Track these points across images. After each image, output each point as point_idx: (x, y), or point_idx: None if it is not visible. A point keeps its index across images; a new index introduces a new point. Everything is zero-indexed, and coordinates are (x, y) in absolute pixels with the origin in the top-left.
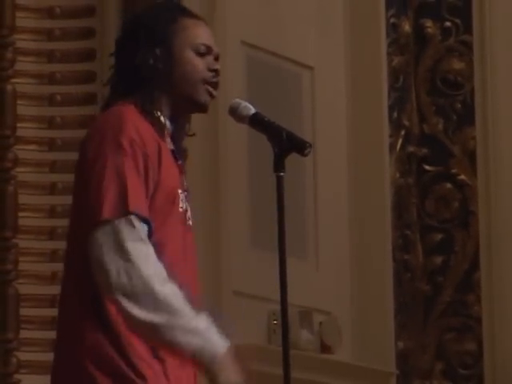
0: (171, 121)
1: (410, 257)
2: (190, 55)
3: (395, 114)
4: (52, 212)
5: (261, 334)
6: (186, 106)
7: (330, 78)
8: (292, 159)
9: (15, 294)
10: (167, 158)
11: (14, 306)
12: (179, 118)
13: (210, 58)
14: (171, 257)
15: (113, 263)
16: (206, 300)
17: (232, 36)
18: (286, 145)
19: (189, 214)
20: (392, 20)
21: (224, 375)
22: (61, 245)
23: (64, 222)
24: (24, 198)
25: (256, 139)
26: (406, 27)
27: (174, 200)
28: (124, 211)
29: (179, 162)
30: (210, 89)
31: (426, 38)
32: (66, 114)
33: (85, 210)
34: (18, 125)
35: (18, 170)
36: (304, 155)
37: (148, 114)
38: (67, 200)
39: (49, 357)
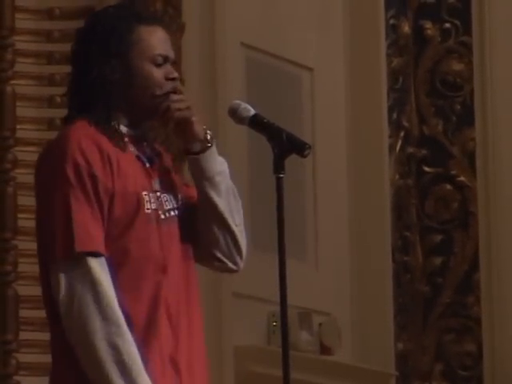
0: (132, 126)
1: (409, 258)
2: (147, 67)
3: (395, 115)
4: None
5: (260, 335)
6: (146, 115)
7: (329, 80)
8: (292, 160)
9: (15, 296)
10: (125, 166)
11: (14, 308)
12: (139, 124)
13: (167, 66)
14: (137, 262)
15: (65, 303)
16: (205, 302)
17: (232, 38)
18: (286, 146)
19: (171, 205)
20: (391, 21)
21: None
22: None
23: None
24: (23, 200)
25: (256, 140)
26: (406, 28)
27: (136, 205)
28: (72, 253)
29: (147, 166)
30: (171, 96)
31: (425, 39)
32: None
33: (42, 244)
34: (18, 126)
35: (18, 171)
36: (304, 156)
37: (103, 126)
38: None
39: (48, 358)
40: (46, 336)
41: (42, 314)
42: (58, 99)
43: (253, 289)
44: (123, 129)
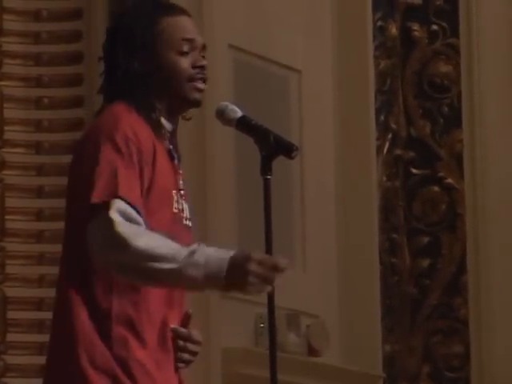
0: (168, 119)
1: (397, 260)
2: (173, 57)
3: (382, 117)
4: (39, 215)
5: (248, 337)
6: (179, 104)
7: (317, 82)
8: (279, 162)
9: (2, 297)
10: (163, 159)
11: (1, 309)
12: (175, 117)
13: (194, 54)
14: None
15: (105, 247)
16: (193, 303)
17: (219, 39)
18: (274, 148)
19: (186, 214)
20: (379, 23)
21: (242, 282)
22: (48, 248)
23: (51, 225)
24: (11, 201)
25: (243, 142)
26: (393, 30)
27: (167, 202)
28: (114, 195)
29: (175, 162)
30: (197, 85)
31: (413, 41)
32: (53, 117)
33: (78, 198)
34: (5, 128)
35: (5, 172)
36: (291, 158)
37: (146, 116)
38: (54, 203)
39: (36, 360)
40: (33, 338)
41: (30, 315)
42: (46, 100)
43: None
44: (163, 121)
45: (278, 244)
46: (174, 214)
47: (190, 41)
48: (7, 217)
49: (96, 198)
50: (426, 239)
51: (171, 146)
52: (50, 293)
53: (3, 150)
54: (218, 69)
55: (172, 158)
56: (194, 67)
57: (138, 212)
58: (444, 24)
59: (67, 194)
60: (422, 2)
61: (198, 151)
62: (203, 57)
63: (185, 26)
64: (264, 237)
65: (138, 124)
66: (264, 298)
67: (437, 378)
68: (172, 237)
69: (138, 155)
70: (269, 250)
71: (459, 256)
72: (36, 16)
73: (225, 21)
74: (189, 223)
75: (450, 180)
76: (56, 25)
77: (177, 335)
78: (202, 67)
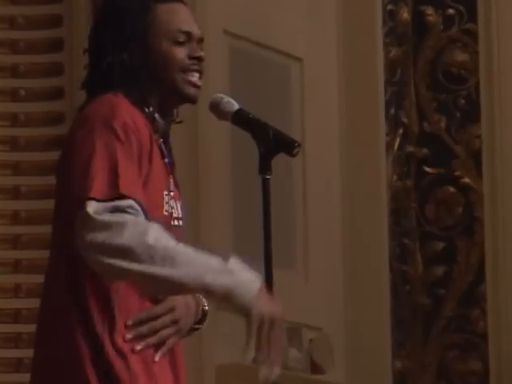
0: (161, 114)
1: (408, 267)
2: (167, 47)
3: (392, 111)
4: (15, 218)
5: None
6: (172, 98)
7: (320, 71)
8: (279, 160)
9: None
10: (157, 155)
11: None
12: (167, 114)
13: (191, 45)
14: None
15: (104, 238)
16: None
17: (213, 25)
18: (273, 144)
19: (177, 214)
20: (389, 7)
21: (264, 306)
22: (25, 254)
23: (29, 229)
24: None
25: (239, 138)
26: (405, 15)
27: (158, 202)
28: (114, 193)
29: (166, 161)
30: (192, 78)
31: (426, 26)
32: (31, 111)
33: (71, 194)
34: None
35: None
36: (292, 155)
37: (140, 109)
38: (32, 205)
39: (13, 378)
40: (9, 353)
41: (5, 328)
42: (22, 92)
43: None
44: (157, 116)
45: (277, 250)
46: (165, 216)
47: (187, 33)
48: None
49: (95, 193)
50: (440, 245)
51: (164, 145)
52: (27, 303)
53: None
54: (212, 57)
55: (163, 157)
56: (189, 58)
57: (142, 208)
58: (461, 8)
59: (56, 194)
60: None
61: (190, 148)
62: (201, 50)
63: (180, 15)
64: (262, 242)
65: (135, 113)
66: None
67: None
68: None
69: (137, 146)
70: (268, 256)
71: (477, 263)
72: (12, 0)
73: (219, 4)
74: (179, 223)
75: (466, 180)
76: (34, 8)
77: (147, 319)
78: (199, 58)
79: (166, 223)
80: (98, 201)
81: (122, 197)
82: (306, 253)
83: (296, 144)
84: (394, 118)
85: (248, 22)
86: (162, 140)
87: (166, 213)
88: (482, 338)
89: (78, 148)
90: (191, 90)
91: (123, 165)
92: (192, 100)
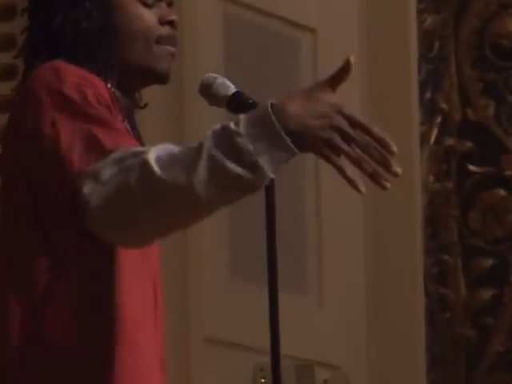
0: (124, 92)
1: (448, 291)
2: (135, 8)
3: (428, 95)
4: None
5: None
6: (140, 76)
7: (338, 45)
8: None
9: None
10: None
11: None
12: (130, 94)
13: (161, 6)
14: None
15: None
16: (169, 349)
17: None
18: None
19: None
20: None
21: (309, 115)
22: None
23: None
24: None
25: None
26: None
27: None
28: (101, 152)
29: None
30: (169, 48)
31: None
32: None
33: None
34: None
35: None
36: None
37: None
38: None
39: None
40: None
41: None
42: None
43: (232, 333)
44: (117, 93)
45: (284, 270)
46: None
47: None
48: None
49: (81, 167)
50: (488, 262)
51: (131, 131)
52: None
53: None
54: (203, 28)
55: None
56: (161, 23)
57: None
58: None
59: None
60: None
61: (175, 140)
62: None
63: None
64: (265, 259)
65: (89, 75)
66: (266, 343)
67: None
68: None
69: (104, 109)
70: (272, 277)
71: None
72: None
73: None
74: None
75: None
76: None
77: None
78: (172, 23)
79: None
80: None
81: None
82: (320, 274)
83: None
84: (431, 103)
85: None
86: (127, 123)
87: None
88: None
89: (30, 138)
90: (165, 66)
91: (95, 123)
92: (164, 79)
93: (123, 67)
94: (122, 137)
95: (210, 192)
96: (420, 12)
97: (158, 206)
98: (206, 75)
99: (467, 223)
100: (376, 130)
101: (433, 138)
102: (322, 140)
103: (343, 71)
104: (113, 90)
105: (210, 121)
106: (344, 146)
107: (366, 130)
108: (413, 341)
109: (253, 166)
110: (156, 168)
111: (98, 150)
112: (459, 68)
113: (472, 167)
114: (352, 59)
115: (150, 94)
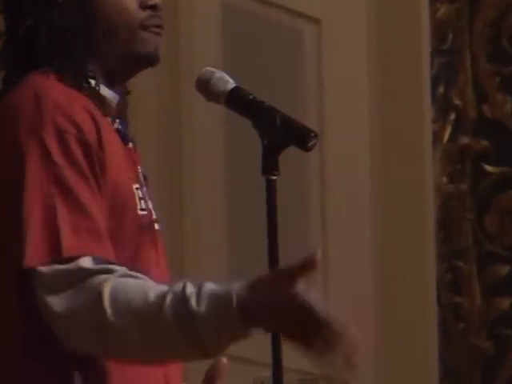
0: (110, 86)
1: (462, 299)
2: None
3: (441, 90)
4: None
5: None
6: (129, 64)
7: (344, 36)
8: (289, 155)
9: None
10: (112, 142)
11: None
12: (119, 84)
13: None
14: None
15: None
16: None
17: None
18: (281, 134)
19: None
20: None
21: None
22: None
23: None
24: None
25: (236, 126)
26: None
27: (127, 203)
28: (54, 256)
29: (129, 146)
30: (155, 29)
31: None
32: None
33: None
34: None
35: None
36: (307, 150)
37: (78, 86)
38: None
39: None
40: None
41: None
42: None
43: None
44: (104, 90)
45: None
46: (141, 217)
47: None
48: None
49: (31, 259)
50: (505, 269)
51: (120, 126)
52: None
53: None
54: (200, 18)
55: (125, 141)
56: (143, 8)
57: (102, 259)
58: None
59: None
60: None
61: (170, 140)
62: None
63: None
64: (267, 261)
65: (71, 99)
66: (267, 356)
67: None
68: (137, 250)
69: (83, 149)
70: None
71: None
72: None
73: None
74: (158, 226)
75: None
76: None
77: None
78: (155, 7)
79: (145, 225)
80: (34, 271)
81: (68, 260)
82: (326, 279)
83: (312, 134)
84: (444, 99)
85: None
86: (118, 121)
87: (141, 212)
88: None
89: (3, 180)
90: (151, 48)
91: (64, 205)
92: (154, 61)
93: (110, 58)
94: (90, 230)
95: (156, 352)
96: (432, 1)
97: (108, 346)
98: (203, 69)
99: (483, 227)
100: (338, 328)
101: (446, 137)
102: (282, 331)
103: (308, 267)
104: (98, 87)
105: (207, 117)
106: (304, 339)
107: (326, 328)
108: (425, 352)
109: (199, 346)
110: (108, 309)
111: (55, 245)
112: (474, 61)
113: (488, 167)
114: (318, 257)
115: (146, 85)
